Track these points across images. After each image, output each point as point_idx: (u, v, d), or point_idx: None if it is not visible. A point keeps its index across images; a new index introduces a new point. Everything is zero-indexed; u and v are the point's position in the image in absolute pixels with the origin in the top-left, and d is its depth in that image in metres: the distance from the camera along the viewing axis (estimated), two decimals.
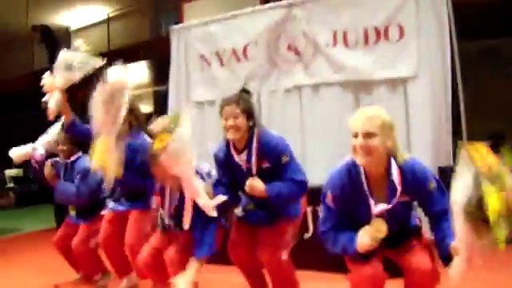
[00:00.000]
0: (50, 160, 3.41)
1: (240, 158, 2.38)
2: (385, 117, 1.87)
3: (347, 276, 1.97)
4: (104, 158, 2.51)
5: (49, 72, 2.82)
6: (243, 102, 2.36)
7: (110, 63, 2.65)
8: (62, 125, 3.07)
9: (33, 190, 9.70)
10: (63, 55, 2.77)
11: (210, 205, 2.26)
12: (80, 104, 2.68)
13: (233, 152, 2.40)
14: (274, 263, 2.37)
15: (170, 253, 2.44)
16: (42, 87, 2.82)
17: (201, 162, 2.48)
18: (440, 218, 1.89)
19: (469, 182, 1.58)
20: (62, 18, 10.68)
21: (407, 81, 3.62)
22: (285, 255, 2.38)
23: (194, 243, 2.35)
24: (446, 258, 1.77)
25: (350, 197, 1.94)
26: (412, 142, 3.57)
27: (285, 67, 4.12)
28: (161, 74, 6.46)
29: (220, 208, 2.31)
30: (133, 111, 2.82)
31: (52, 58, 2.87)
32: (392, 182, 1.87)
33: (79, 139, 3.10)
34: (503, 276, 2.87)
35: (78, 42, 2.82)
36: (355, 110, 2.04)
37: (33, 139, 3.66)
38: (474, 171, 1.58)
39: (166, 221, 2.53)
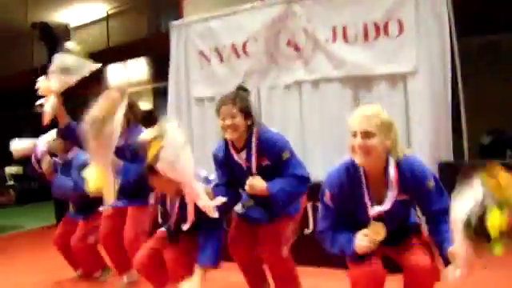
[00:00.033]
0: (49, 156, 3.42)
1: (239, 157, 2.37)
2: (384, 116, 1.85)
3: (347, 272, 1.97)
4: (100, 186, 2.52)
5: (44, 76, 2.78)
6: (240, 100, 2.33)
7: (109, 60, 2.64)
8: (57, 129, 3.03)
9: (33, 187, 9.68)
10: (59, 58, 2.74)
11: (210, 206, 2.23)
12: (77, 106, 2.66)
13: (232, 151, 2.39)
14: (275, 260, 2.37)
15: (170, 253, 2.42)
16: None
17: (198, 168, 2.43)
18: (438, 218, 1.87)
19: (472, 203, 1.57)
20: (61, 16, 10.67)
21: (407, 76, 3.60)
22: (285, 251, 2.37)
23: (198, 250, 2.31)
24: (446, 261, 1.78)
25: (348, 196, 1.93)
26: (412, 137, 3.56)
27: (284, 63, 4.10)
28: (160, 70, 6.46)
29: (221, 209, 2.26)
30: (132, 108, 2.83)
31: (51, 56, 2.85)
32: (390, 182, 1.87)
33: (75, 143, 3.02)
34: (503, 276, 2.85)
35: (70, 44, 2.80)
36: (355, 105, 2.03)
37: (34, 136, 3.66)
38: (484, 192, 1.56)
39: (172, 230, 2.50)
